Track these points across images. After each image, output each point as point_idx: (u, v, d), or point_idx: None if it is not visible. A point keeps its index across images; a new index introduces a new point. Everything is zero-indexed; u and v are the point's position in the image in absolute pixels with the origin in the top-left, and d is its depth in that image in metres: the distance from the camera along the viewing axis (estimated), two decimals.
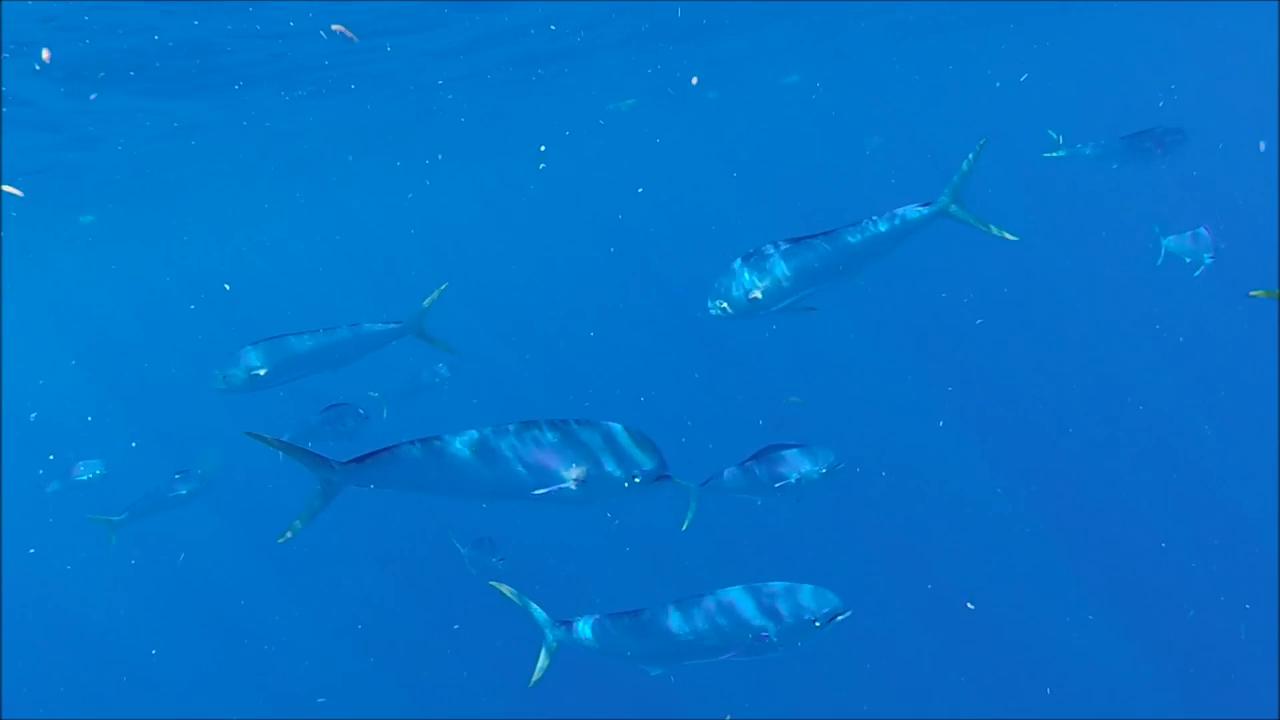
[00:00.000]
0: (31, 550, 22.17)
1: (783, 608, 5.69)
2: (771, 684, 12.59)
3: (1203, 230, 11.02)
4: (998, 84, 34.87)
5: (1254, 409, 16.07)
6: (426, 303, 8.30)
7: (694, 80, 23.17)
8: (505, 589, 6.06)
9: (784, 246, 6.82)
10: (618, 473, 4.97)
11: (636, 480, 5.00)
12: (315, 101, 16.60)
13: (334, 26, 9.84)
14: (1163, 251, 11.39)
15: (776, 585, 5.80)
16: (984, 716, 12.17)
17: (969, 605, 13.06)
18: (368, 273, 42.44)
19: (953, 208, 6.64)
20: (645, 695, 11.97)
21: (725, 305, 6.90)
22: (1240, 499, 14.80)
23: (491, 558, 11.22)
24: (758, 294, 6.76)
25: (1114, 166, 12.20)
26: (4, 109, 11.74)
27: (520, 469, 4.95)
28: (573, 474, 4.92)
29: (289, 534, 5.05)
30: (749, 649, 5.66)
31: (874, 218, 6.75)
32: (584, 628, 6.06)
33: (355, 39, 9.67)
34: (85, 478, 14.66)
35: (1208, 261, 10.82)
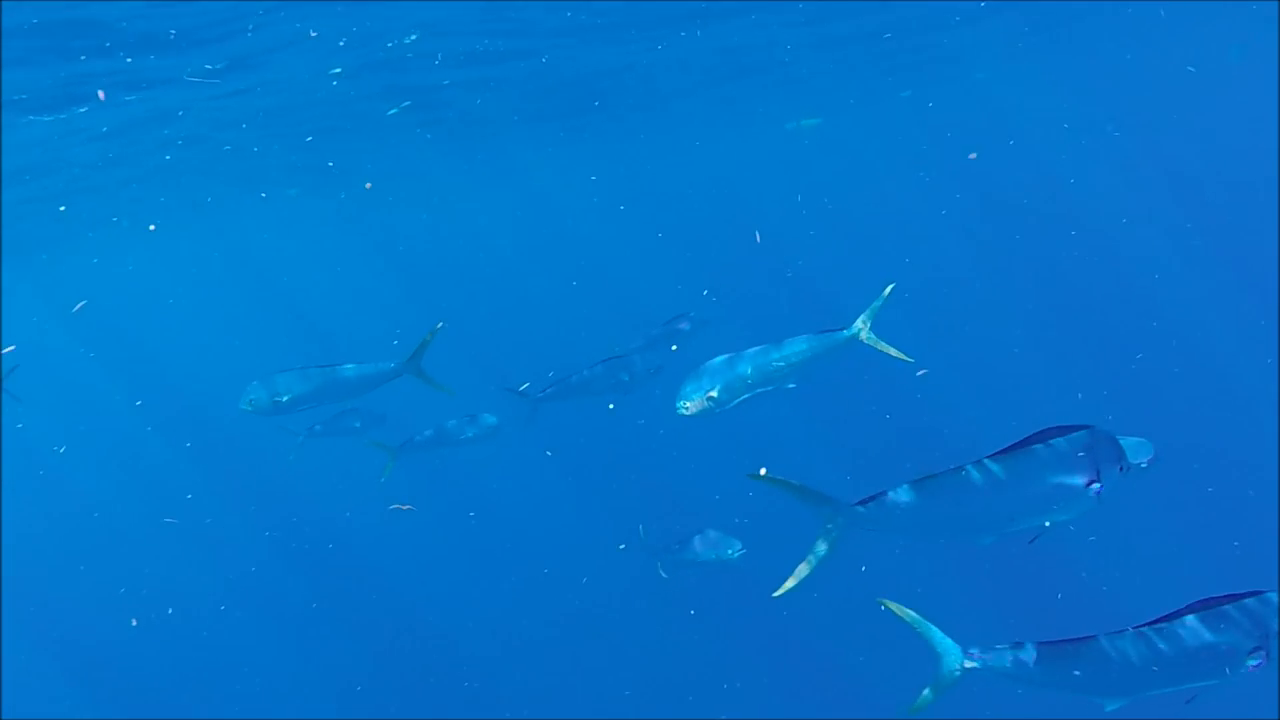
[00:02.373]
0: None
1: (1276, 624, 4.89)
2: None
3: None
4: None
5: None
6: (423, 343, 9.08)
7: None
8: (900, 610, 5.21)
9: (736, 356, 7.99)
10: (1115, 471, 5.02)
11: (1124, 473, 5.08)
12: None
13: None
14: None
15: (1265, 598, 4.94)
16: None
17: None
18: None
19: (865, 335, 7.74)
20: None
21: (689, 405, 7.98)
22: None
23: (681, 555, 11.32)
24: (714, 393, 7.92)
25: None
26: None
27: (1043, 488, 4.95)
28: (1094, 482, 4.98)
29: (791, 582, 5.03)
30: (1239, 674, 4.94)
31: (806, 337, 7.93)
32: (1006, 655, 5.20)
33: None
34: (356, 424, 15.39)
35: None
